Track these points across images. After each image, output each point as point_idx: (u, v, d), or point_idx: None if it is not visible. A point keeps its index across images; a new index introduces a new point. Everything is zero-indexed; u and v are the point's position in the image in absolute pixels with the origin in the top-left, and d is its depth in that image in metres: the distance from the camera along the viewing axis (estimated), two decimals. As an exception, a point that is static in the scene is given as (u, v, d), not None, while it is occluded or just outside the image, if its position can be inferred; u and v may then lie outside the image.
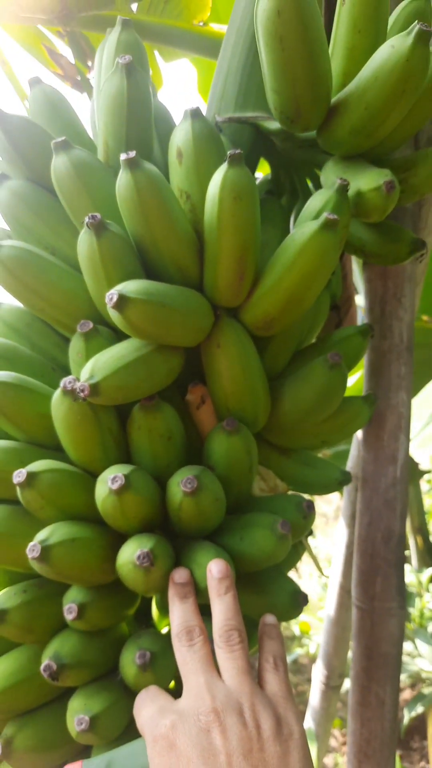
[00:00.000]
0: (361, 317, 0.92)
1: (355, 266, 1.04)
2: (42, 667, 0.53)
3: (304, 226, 0.54)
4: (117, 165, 0.60)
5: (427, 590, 1.74)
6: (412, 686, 2.06)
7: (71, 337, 0.64)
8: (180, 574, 0.54)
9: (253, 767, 0.42)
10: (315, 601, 1.76)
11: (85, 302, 0.58)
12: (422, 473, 2.91)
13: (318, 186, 0.76)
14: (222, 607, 0.50)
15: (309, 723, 1.18)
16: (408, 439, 0.79)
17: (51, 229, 0.59)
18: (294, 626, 2.42)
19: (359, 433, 1.02)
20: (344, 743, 2.92)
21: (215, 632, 0.50)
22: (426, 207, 0.83)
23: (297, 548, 0.69)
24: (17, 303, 0.69)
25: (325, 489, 0.72)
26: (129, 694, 0.57)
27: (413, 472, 2.85)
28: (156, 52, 1.36)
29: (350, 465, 1.14)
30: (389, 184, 0.57)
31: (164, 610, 0.67)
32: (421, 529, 2.86)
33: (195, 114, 0.55)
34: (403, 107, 0.58)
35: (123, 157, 0.50)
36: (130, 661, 0.55)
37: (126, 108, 0.57)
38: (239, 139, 0.69)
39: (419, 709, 1.55)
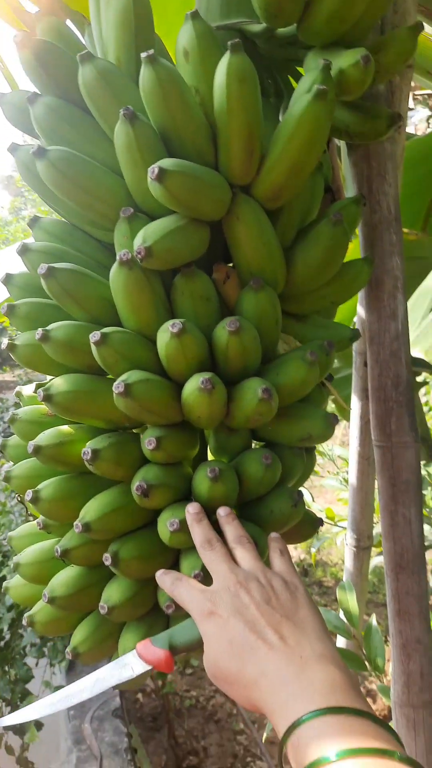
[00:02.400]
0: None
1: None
2: (135, 487, 0.66)
3: (299, 100, 0.65)
4: (130, 74, 0.70)
5: (435, 480, 1.91)
6: None
7: (106, 240, 0.76)
8: (193, 506, 0.67)
9: (273, 608, 0.57)
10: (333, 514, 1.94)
11: (124, 195, 0.69)
12: (420, 385, 3.05)
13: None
14: (231, 527, 0.66)
15: (346, 581, 1.34)
16: (405, 298, 0.91)
17: (83, 136, 0.69)
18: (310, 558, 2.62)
19: (362, 312, 1.14)
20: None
21: (230, 542, 0.65)
22: (397, 94, 0.93)
23: (322, 391, 0.82)
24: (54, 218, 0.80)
25: (339, 345, 0.85)
26: (203, 511, 0.71)
27: (412, 384, 2.99)
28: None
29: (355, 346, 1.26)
30: (366, 58, 0.67)
31: (218, 453, 0.80)
32: (425, 439, 3.02)
33: (194, 15, 0.65)
34: (370, -12, 0.68)
35: (143, 55, 0.60)
36: (203, 477, 0.68)
37: (134, 22, 0.67)
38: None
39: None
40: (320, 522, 0.81)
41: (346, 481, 1.78)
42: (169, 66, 0.61)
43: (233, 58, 0.62)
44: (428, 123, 4.21)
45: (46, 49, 0.67)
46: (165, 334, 0.64)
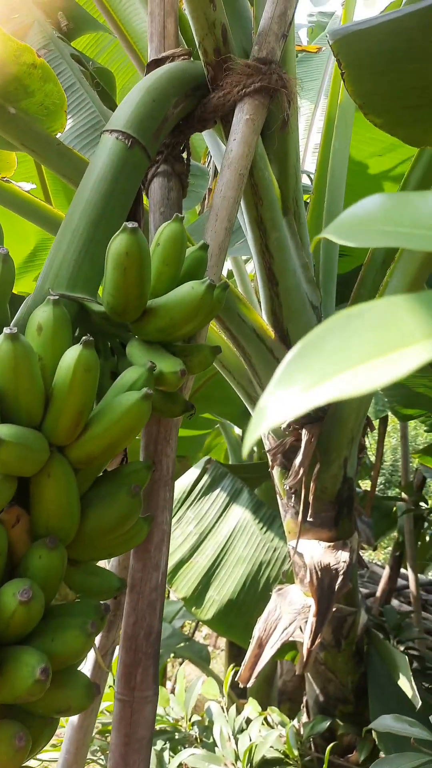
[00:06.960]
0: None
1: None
2: None
3: (129, 395, 0.76)
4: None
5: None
6: None
7: None
8: None
9: None
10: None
11: None
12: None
13: (121, 347, 0.99)
14: None
15: None
16: (168, 550, 1.01)
17: None
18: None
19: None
20: None
21: None
22: (187, 375, 1.14)
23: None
24: None
25: (106, 594, 0.88)
26: None
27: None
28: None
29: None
30: (183, 371, 0.84)
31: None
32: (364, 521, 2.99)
33: (56, 302, 0.74)
34: (194, 324, 0.87)
35: (6, 331, 0.65)
36: None
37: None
38: (68, 310, 0.89)
39: None
40: None
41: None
42: (26, 344, 0.67)
43: (84, 351, 0.71)
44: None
45: None
46: None
